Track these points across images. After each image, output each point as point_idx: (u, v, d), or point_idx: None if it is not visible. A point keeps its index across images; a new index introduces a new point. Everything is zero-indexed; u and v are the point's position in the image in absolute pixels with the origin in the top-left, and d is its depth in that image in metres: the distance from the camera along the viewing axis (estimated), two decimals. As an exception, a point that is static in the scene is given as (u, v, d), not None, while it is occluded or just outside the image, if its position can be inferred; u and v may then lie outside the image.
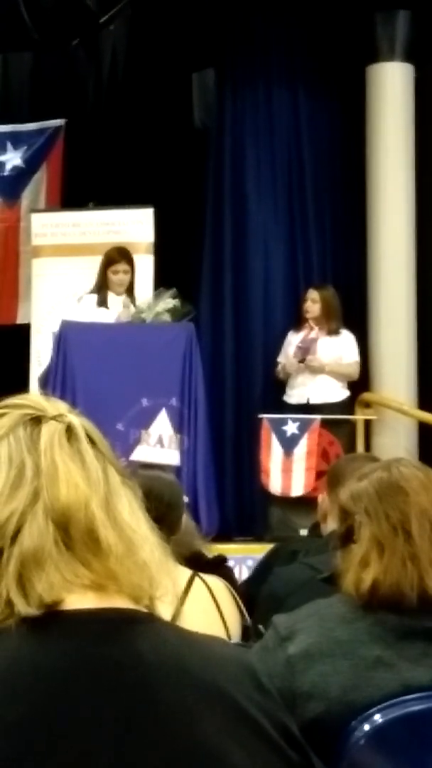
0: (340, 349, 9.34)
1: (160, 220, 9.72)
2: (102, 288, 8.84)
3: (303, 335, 9.40)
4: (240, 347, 9.90)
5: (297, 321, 9.58)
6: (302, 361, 9.25)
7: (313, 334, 9.36)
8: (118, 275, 8.85)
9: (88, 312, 8.77)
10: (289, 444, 8.91)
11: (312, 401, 9.27)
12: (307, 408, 9.20)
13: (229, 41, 10.24)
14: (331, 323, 9.37)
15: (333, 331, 9.36)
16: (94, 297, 8.84)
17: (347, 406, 9.35)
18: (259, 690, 1.52)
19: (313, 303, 9.41)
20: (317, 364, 9.21)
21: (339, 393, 9.33)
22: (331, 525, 3.77)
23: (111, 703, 1.41)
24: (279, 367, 9.44)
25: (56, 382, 8.30)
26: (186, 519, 4.18)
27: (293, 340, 9.44)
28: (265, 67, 10.28)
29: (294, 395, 9.36)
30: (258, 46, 10.20)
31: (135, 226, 9.77)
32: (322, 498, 4.00)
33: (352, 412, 9.32)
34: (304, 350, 9.29)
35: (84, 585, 1.47)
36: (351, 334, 9.43)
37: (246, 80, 10.30)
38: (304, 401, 9.29)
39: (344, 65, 10.10)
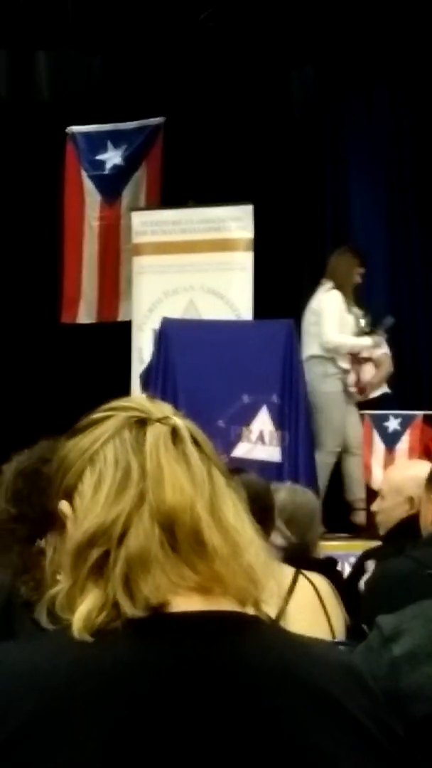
0: None
1: (259, 217, 9.71)
2: (344, 286, 8.87)
3: None
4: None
5: None
6: None
7: None
8: (358, 277, 8.93)
9: (339, 308, 8.81)
10: (390, 440, 8.86)
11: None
12: None
13: (329, 38, 10.19)
14: None
15: None
16: (338, 293, 8.86)
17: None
18: (366, 694, 1.52)
19: None
20: None
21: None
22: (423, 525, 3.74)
23: (217, 707, 1.41)
24: None
25: (157, 379, 8.34)
26: (311, 517, 4.21)
27: None
28: (365, 64, 10.21)
29: None
30: (358, 42, 10.13)
31: (234, 223, 9.77)
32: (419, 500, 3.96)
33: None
34: None
35: (189, 587, 1.48)
36: None
37: (346, 76, 10.24)
38: None
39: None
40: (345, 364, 8.88)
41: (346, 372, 8.90)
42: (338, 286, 8.89)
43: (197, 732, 1.40)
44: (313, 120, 10.50)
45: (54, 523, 1.59)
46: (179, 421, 1.57)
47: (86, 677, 1.41)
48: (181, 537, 1.48)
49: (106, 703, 1.40)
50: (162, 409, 1.60)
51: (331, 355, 8.83)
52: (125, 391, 9.14)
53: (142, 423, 1.56)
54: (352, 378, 8.94)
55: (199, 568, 1.48)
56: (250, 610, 1.52)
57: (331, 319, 8.78)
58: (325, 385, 8.85)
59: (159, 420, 1.56)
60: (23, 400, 10.26)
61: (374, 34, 9.99)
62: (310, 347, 8.87)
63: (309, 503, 4.35)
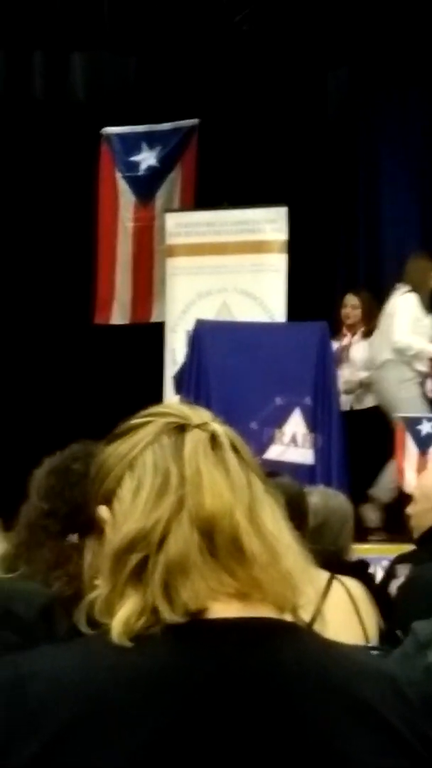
0: (372, 349, 9.16)
1: (293, 219, 9.71)
2: (419, 289, 8.82)
3: (339, 344, 9.27)
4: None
5: (337, 328, 9.43)
6: None
7: (346, 341, 9.25)
8: None
9: (413, 310, 8.74)
10: (424, 443, 8.82)
11: (355, 407, 9.20)
12: (351, 414, 9.11)
13: (364, 40, 10.19)
14: (369, 325, 9.23)
15: (368, 333, 9.22)
16: (413, 296, 8.79)
17: None
18: (401, 700, 1.52)
19: (353, 309, 9.28)
20: (349, 386, 9.11)
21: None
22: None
23: (253, 713, 1.42)
24: None
25: (190, 380, 8.35)
26: (344, 521, 4.21)
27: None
28: (400, 66, 10.20)
29: (342, 403, 9.30)
30: (393, 45, 10.13)
31: (269, 225, 9.77)
32: None
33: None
34: (337, 361, 9.18)
35: (228, 593, 1.48)
36: None
37: (381, 79, 10.24)
38: (348, 408, 9.18)
39: None
40: (422, 367, 8.81)
41: (423, 376, 8.82)
42: (413, 290, 8.84)
43: (232, 738, 1.40)
44: (347, 122, 10.50)
45: (93, 527, 1.60)
46: (218, 427, 1.57)
47: (125, 682, 1.42)
48: (220, 543, 1.48)
49: (144, 709, 1.40)
50: (201, 415, 1.59)
51: (406, 358, 8.75)
52: (158, 392, 9.15)
53: (181, 429, 1.56)
54: (430, 384, 8.86)
55: (237, 574, 1.48)
56: (288, 617, 1.52)
57: (404, 320, 8.72)
58: (402, 390, 8.77)
59: (198, 426, 1.56)
60: (56, 401, 10.30)
61: (409, 36, 9.97)
62: (384, 352, 8.82)
63: (342, 507, 4.35)
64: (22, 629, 2.37)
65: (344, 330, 9.36)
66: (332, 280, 10.20)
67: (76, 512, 2.67)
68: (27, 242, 10.71)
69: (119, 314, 10.72)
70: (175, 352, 9.63)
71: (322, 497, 4.30)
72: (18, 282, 10.67)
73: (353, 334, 9.31)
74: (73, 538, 2.78)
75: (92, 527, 1.60)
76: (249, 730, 1.41)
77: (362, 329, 9.32)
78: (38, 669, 1.45)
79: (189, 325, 9.05)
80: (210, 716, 1.41)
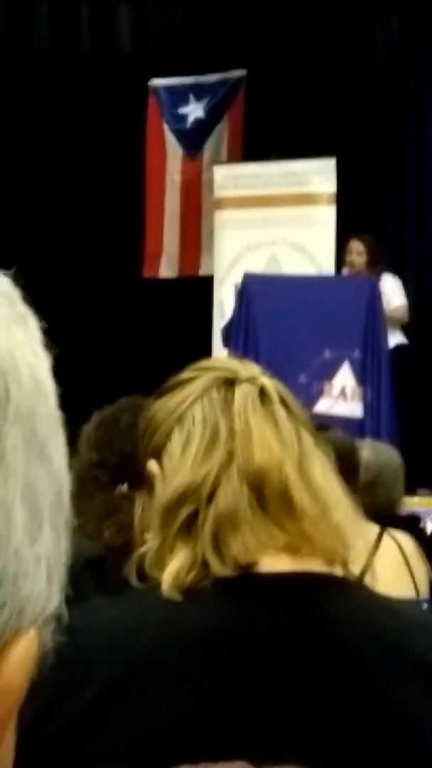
0: (384, 294, 9.03)
1: (342, 171, 9.64)
2: None
3: None
4: (422, 298, 9.78)
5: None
6: None
7: None
8: None
9: None
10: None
11: None
12: None
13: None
14: (374, 271, 9.08)
15: (376, 278, 9.06)
16: None
17: (405, 351, 9.11)
18: None
19: (358, 255, 9.10)
20: None
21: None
22: None
23: (305, 667, 1.42)
24: None
25: (239, 334, 8.34)
26: (396, 475, 4.20)
27: None
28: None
29: None
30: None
31: (317, 177, 9.70)
32: None
33: (414, 358, 9.04)
34: None
35: (278, 547, 1.48)
36: (394, 277, 9.14)
37: (430, 27, 10.10)
38: None
39: None
40: None
41: None
42: None
43: (286, 691, 1.40)
44: (396, 72, 10.39)
45: (142, 482, 1.60)
46: (267, 381, 1.56)
47: (177, 636, 1.42)
48: (269, 497, 1.48)
49: (197, 662, 1.41)
50: (250, 369, 1.59)
51: None
52: (206, 346, 9.15)
53: (230, 383, 1.55)
54: None
55: (287, 527, 1.48)
56: (338, 570, 1.52)
57: None
58: None
59: (247, 380, 1.56)
60: (105, 355, 10.32)
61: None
62: None
63: (393, 461, 4.33)
64: (71, 582, 2.38)
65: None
66: (381, 232, 10.10)
67: (125, 462, 2.70)
68: (75, 196, 10.71)
69: (167, 268, 10.71)
70: (224, 305, 9.61)
71: (373, 451, 4.29)
72: (66, 236, 10.68)
73: None
74: (123, 488, 2.80)
75: (142, 481, 1.61)
76: (303, 683, 1.41)
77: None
78: (91, 622, 1.45)
79: (237, 278, 9.03)
80: (264, 669, 1.41)
